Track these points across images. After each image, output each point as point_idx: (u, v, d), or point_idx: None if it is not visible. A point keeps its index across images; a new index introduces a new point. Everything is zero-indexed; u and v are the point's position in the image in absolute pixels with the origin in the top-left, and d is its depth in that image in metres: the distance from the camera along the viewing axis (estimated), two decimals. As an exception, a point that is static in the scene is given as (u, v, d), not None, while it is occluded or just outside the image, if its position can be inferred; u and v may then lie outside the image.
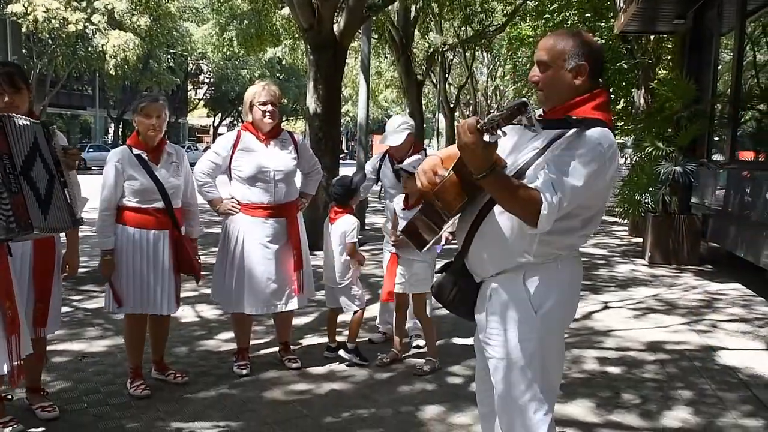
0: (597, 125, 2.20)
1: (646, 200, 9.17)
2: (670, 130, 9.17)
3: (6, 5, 25.40)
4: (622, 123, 16.24)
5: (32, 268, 3.34)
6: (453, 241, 3.89)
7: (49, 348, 3.95)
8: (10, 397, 3.62)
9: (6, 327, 2.54)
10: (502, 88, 33.58)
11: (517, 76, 23.35)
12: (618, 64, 14.50)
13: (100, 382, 4.16)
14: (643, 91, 13.47)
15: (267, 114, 4.16)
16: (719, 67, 9.77)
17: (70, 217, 2.57)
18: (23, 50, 11.04)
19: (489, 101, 35.10)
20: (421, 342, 4.91)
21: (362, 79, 11.84)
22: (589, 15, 14.86)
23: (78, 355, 4.66)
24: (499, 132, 2.01)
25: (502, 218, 2.26)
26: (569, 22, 15.31)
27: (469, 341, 5.03)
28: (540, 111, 2.39)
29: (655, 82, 11.86)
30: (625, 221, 11.47)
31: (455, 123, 26.38)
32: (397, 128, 4.81)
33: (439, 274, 2.59)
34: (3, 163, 2.38)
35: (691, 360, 4.82)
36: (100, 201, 3.84)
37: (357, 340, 4.63)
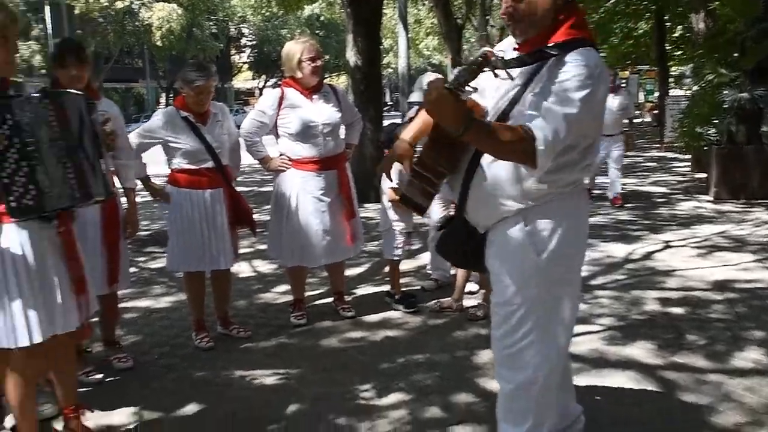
0: (576, 46, 2.07)
1: (709, 132, 8.82)
2: (736, 54, 8.67)
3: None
4: (680, 52, 15.58)
5: (101, 230, 3.52)
6: None
7: (120, 305, 4.17)
8: (90, 349, 3.87)
9: (75, 287, 2.70)
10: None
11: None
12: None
13: (167, 335, 4.38)
14: (702, 14, 12.72)
15: (317, 69, 4.20)
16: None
17: (103, 186, 2.70)
18: (78, 30, 11.33)
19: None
20: (474, 287, 4.97)
21: (401, 29, 11.74)
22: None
23: (146, 311, 4.90)
24: (468, 88, 1.94)
25: (493, 167, 2.19)
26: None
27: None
28: (511, 46, 2.26)
29: (716, 3, 11.22)
30: (687, 156, 11.14)
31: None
32: (423, 83, 4.80)
33: (440, 231, 2.56)
34: (65, 136, 2.51)
35: (764, 299, 4.68)
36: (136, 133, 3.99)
37: (408, 288, 4.70)
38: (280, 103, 4.26)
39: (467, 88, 1.94)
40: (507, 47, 2.31)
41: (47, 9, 9.32)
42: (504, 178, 2.19)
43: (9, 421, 3.07)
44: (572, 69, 2.02)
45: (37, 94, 2.51)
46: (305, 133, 4.22)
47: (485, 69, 1.93)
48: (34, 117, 2.42)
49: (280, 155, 4.33)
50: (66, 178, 2.47)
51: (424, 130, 2.39)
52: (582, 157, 2.20)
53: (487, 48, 1.93)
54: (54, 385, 3.04)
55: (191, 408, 3.31)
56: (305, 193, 4.27)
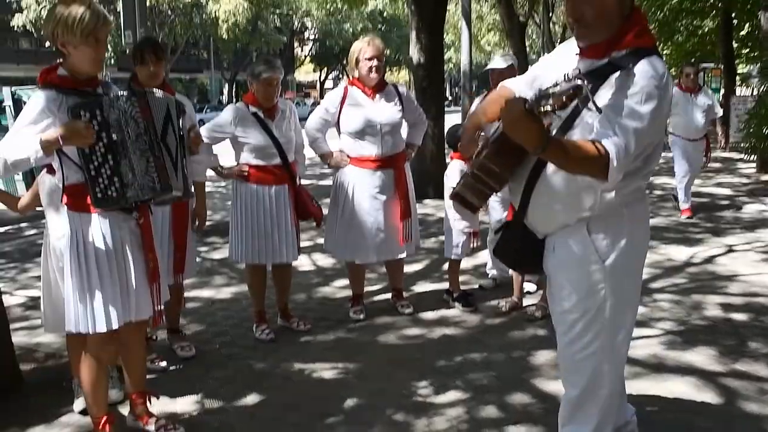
0: (644, 56, 2.05)
1: (776, 133, 8.53)
2: None
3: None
4: (748, 50, 15.02)
5: (171, 221, 3.66)
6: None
7: (184, 294, 4.32)
8: (155, 337, 4.01)
9: (149, 276, 2.82)
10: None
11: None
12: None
13: (229, 325, 4.50)
14: (771, 11, 12.24)
15: (373, 68, 4.24)
16: None
17: (184, 186, 2.82)
18: (147, 22, 11.73)
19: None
20: (532, 287, 4.94)
21: (464, 25, 11.68)
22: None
23: (209, 301, 5.05)
24: (554, 115, 1.92)
25: (558, 176, 2.17)
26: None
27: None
28: (575, 47, 2.23)
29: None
30: (753, 158, 10.77)
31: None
32: (503, 56, 4.82)
33: (497, 234, 2.55)
34: (149, 131, 2.63)
35: (829, 307, 4.51)
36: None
37: (467, 286, 4.71)
38: (342, 101, 4.34)
39: (554, 115, 1.94)
40: (567, 51, 2.30)
41: (121, 1, 9.66)
42: (569, 187, 2.18)
43: (78, 405, 3.23)
44: (640, 81, 2.02)
45: (125, 92, 2.66)
46: (364, 132, 4.28)
47: (576, 101, 1.92)
48: (121, 114, 2.57)
49: (340, 151, 4.39)
50: (148, 172, 2.60)
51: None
52: (645, 164, 2.19)
53: (580, 81, 1.89)
54: (122, 371, 3.19)
55: (252, 398, 3.40)
56: (361, 190, 4.32)
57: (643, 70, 2.03)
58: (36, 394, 3.48)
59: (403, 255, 4.50)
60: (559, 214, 2.25)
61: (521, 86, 2.42)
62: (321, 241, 5.66)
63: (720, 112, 7.99)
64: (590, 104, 1.92)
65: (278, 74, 4.05)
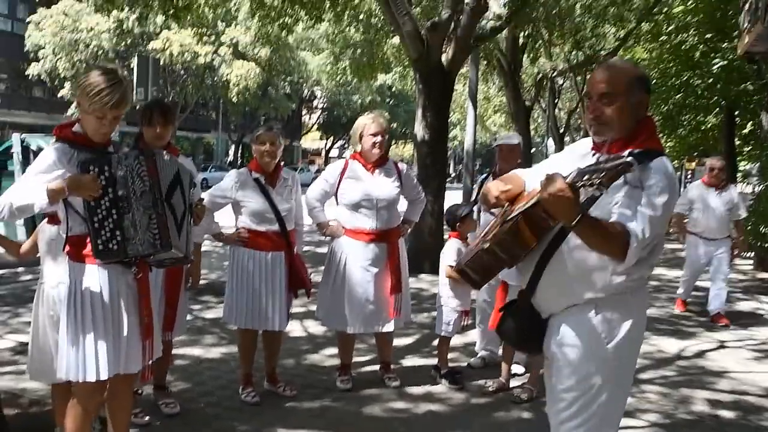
0: (657, 155, 2.29)
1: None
2: None
3: (148, 42, 28.92)
4: (749, 148, 15.29)
5: (165, 279, 3.71)
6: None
7: (173, 351, 4.33)
8: (140, 392, 4.00)
9: (143, 332, 2.87)
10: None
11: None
12: (743, 86, 13.66)
13: (215, 386, 4.50)
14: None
15: (376, 144, 4.38)
16: None
17: (186, 248, 2.90)
18: (159, 81, 12.09)
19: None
20: (519, 369, 4.96)
21: (470, 106, 12.00)
22: (709, 35, 14.11)
23: (197, 359, 5.06)
24: (598, 188, 2.05)
25: (573, 255, 2.31)
26: (688, 44, 14.68)
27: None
28: (590, 143, 2.45)
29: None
30: (750, 255, 10.86)
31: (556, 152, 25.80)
32: (510, 136, 5.10)
33: (501, 313, 2.63)
34: (153, 190, 2.74)
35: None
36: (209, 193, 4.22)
37: (455, 364, 4.71)
38: (342, 174, 4.47)
39: (602, 189, 2.07)
40: (575, 150, 2.53)
41: (135, 59, 10.01)
42: (582, 266, 2.31)
43: None
44: (656, 175, 2.24)
45: (134, 152, 2.78)
46: (361, 205, 4.38)
47: (623, 175, 2.07)
48: (128, 171, 2.68)
49: (336, 222, 4.49)
50: (149, 228, 2.68)
51: (514, 196, 2.51)
52: (651, 254, 2.35)
53: (630, 159, 2.03)
54: (105, 423, 3.19)
55: (232, 460, 3.40)
56: (354, 261, 4.40)
57: (658, 166, 2.27)
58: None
59: (391, 328, 4.51)
60: (569, 292, 2.37)
61: (529, 177, 2.57)
62: (314, 308, 5.71)
63: (744, 213, 7.51)
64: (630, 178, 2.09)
65: (274, 135, 4.15)
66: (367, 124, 4.43)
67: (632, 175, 2.21)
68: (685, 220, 7.29)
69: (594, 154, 2.40)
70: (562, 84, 28.03)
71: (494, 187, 2.52)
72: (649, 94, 2.38)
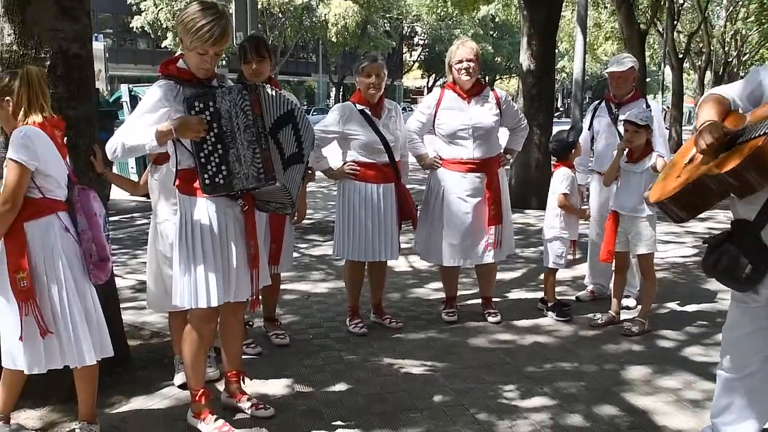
0: None
1: None
2: None
3: (244, -15, 28.69)
4: None
5: (269, 214, 3.73)
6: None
7: (282, 286, 4.50)
8: (251, 323, 4.19)
9: (250, 262, 2.96)
10: (744, 32, 29.86)
11: (764, 15, 20.64)
12: None
13: (323, 318, 4.65)
14: None
15: (463, 71, 4.26)
16: None
17: (295, 184, 2.90)
18: (258, 24, 12.26)
19: (726, 48, 31.47)
20: (631, 302, 4.80)
21: (579, 32, 11.41)
22: None
23: (305, 294, 5.22)
24: None
25: None
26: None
27: (686, 308, 4.83)
28: None
29: None
30: None
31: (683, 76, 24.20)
32: (622, 59, 4.75)
33: (710, 245, 2.50)
34: (257, 124, 2.77)
35: None
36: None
37: (563, 297, 4.63)
38: (438, 104, 4.39)
39: None
40: None
41: (233, 3, 10.14)
42: None
43: (178, 379, 3.45)
44: None
45: (238, 85, 2.81)
46: (456, 135, 4.30)
47: None
48: (232, 105, 2.71)
49: (435, 154, 4.44)
50: (254, 161, 2.72)
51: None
52: None
53: None
54: (219, 353, 3.36)
55: (340, 387, 3.51)
56: (451, 193, 4.34)
57: None
58: (141, 367, 3.73)
59: (490, 260, 4.43)
60: None
61: (732, 93, 2.43)
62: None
63: None
64: None
65: (379, 66, 4.10)
66: (453, 51, 4.33)
67: None
68: None
69: None
70: (683, 3, 26.03)
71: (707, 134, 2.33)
72: None
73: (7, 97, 2.68)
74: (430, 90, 53.55)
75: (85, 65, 3.39)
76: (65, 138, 2.86)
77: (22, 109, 2.67)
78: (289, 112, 2.87)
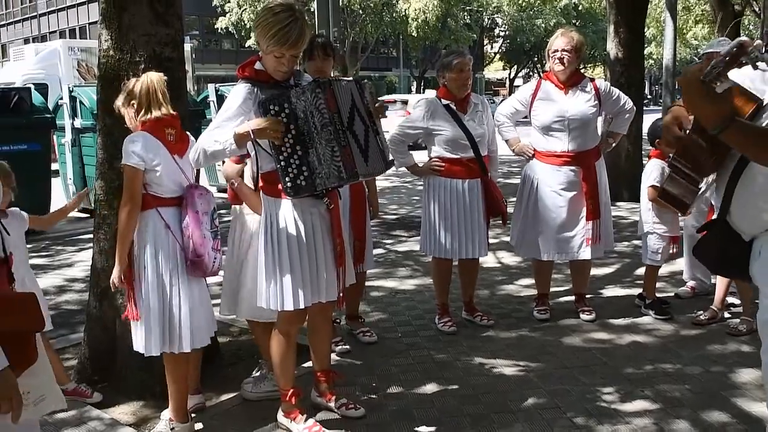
0: None
1: None
2: None
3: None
4: None
5: (350, 213, 3.75)
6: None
7: (367, 284, 4.47)
8: (338, 321, 4.17)
9: (336, 260, 2.94)
10: None
11: None
12: None
13: (411, 315, 4.59)
14: None
15: (557, 60, 4.13)
16: None
17: (383, 161, 2.87)
18: (340, 22, 12.36)
19: (835, 28, 29.44)
20: (736, 300, 4.53)
21: (668, 17, 10.96)
22: None
23: (392, 291, 5.18)
24: (723, 81, 1.77)
25: (764, 171, 1.93)
26: None
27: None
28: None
29: None
30: None
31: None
32: (721, 41, 4.60)
33: (699, 234, 2.34)
34: (334, 121, 2.73)
35: None
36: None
37: (661, 294, 4.42)
38: (534, 94, 4.29)
39: (723, 81, 1.80)
40: None
41: (315, 2, 10.26)
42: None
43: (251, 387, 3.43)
44: None
45: (311, 84, 2.77)
46: (551, 127, 4.18)
47: (742, 58, 1.77)
48: (307, 105, 2.67)
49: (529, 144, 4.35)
50: (334, 159, 2.69)
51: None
52: None
53: (744, 38, 1.75)
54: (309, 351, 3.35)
55: (431, 387, 3.45)
56: (545, 186, 4.22)
57: None
58: (230, 364, 3.78)
59: (587, 256, 4.27)
60: (762, 213, 2.04)
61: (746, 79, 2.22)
62: (506, 238, 5.62)
63: None
64: (758, 60, 1.78)
65: (468, 59, 4.08)
66: (551, 40, 4.23)
67: None
68: None
69: None
70: (781, -20, 24.51)
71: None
72: None
73: (133, 101, 2.92)
74: (512, 81, 52.86)
75: (177, 67, 3.48)
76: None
77: (143, 109, 2.89)
78: (352, 100, 2.80)
